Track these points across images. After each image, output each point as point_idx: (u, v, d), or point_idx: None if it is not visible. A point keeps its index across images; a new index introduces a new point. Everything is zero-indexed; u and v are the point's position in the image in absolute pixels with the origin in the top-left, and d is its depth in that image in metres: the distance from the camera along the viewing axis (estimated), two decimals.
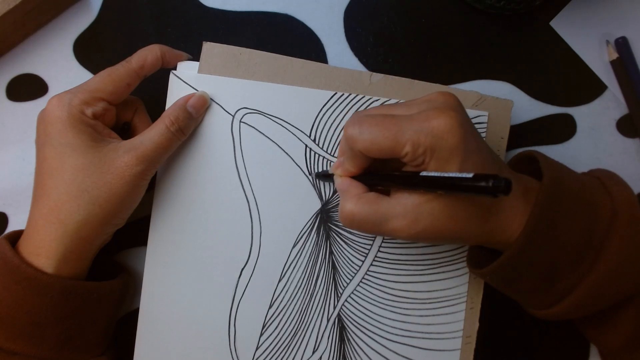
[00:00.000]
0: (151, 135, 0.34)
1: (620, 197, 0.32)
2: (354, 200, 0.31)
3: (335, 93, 0.38)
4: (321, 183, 0.38)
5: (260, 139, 0.38)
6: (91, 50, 0.42)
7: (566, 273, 0.31)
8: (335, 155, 0.38)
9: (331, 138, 0.38)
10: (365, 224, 0.31)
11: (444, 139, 0.28)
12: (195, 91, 0.37)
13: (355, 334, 0.38)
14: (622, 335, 0.33)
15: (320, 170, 0.38)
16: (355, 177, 0.33)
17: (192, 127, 0.37)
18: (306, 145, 0.38)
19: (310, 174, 0.38)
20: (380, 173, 0.33)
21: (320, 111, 0.38)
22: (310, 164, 0.38)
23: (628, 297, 0.32)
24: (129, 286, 0.39)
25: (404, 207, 0.30)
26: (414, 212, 0.29)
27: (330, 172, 0.36)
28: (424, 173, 0.29)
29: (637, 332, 0.33)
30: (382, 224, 0.30)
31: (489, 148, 0.32)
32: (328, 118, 0.38)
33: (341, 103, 0.38)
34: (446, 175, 0.27)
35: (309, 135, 0.38)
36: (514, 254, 0.31)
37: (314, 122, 0.38)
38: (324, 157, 0.38)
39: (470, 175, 0.25)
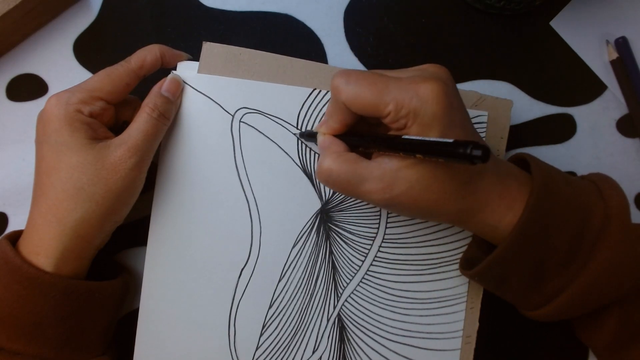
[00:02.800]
0: (137, 126, 0.34)
1: (614, 202, 0.32)
2: (333, 156, 0.31)
3: None
4: (322, 185, 0.38)
5: (260, 138, 0.38)
6: (91, 50, 0.42)
7: (555, 275, 0.32)
8: None
9: None
10: (342, 182, 0.31)
11: (429, 103, 0.28)
12: (195, 90, 0.37)
13: (355, 334, 0.38)
14: (608, 334, 0.34)
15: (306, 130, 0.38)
16: (338, 137, 0.33)
17: (174, 111, 0.37)
18: (306, 145, 0.38)
19: (310, 175, 0.38)
20: (363, 133, 0.33)
21: (320, 111, 0.38)
22: (310, 164, 0.38)
23: (615, 299, 0.32)
24: (129, 286, 0.39)
25: (382, 170, 0.30)
26: (391, 177, 0.29)
27: (314, 130, 0.36)
28: (405, 136, 0.29)
29: (621, 332, 0.33)
30: (358, 184, 0.30)
31: (473, 127, 0.32)
32: None
33: None
34: (427, 139, 0.27)
35: None
36: (501, 255, 0.31)
37: (314, 122, 0.38)
38: None
39: (451, 140, 0.25)
